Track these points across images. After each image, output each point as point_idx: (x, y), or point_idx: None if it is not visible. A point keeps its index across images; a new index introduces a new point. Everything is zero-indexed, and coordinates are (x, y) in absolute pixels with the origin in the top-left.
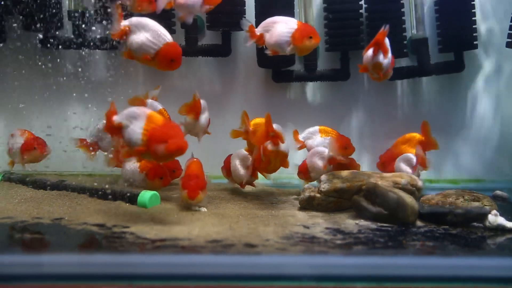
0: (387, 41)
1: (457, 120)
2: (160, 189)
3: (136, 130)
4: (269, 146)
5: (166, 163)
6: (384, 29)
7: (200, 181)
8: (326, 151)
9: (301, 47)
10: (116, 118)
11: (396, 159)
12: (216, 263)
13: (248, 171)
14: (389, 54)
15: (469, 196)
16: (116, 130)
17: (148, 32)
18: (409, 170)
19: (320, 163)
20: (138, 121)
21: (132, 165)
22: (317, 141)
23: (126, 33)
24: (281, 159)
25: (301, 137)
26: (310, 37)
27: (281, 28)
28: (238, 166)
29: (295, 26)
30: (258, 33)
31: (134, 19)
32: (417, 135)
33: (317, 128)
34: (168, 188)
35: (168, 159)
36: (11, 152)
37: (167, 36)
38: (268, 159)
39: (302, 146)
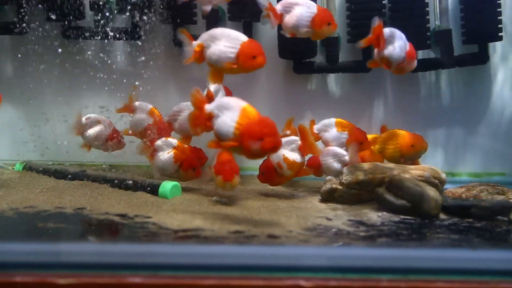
0: (391, 32)
1: (480, 112)
2: (191, 180)
3: (228, 122)
4: (297, 157)
5: (193, 152)
6: (379, 21)
7: (234, 165)
8: (345, 154)
9: (319, 33)
10: (208, 107)
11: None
12: (240, 254)
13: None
14: (397, 45)
15: (493, 189)
16: (204, 120)
17: (222, 40)
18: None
19: (336, 165)
20: (230, 112)
21: (166, 155)
22: (332, 135)
23: (202, 51)
24: (299, 170)
25: (315, 128)
26: (329, 24)
27: (301, 11)
28: None
29: (315, 11)
30: (278, 12)
31: (204, 35)
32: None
33: (333, 120)
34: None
35: (259, 157)
36: (97, 138)
37: (242, 36)
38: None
39: (317, 138)
